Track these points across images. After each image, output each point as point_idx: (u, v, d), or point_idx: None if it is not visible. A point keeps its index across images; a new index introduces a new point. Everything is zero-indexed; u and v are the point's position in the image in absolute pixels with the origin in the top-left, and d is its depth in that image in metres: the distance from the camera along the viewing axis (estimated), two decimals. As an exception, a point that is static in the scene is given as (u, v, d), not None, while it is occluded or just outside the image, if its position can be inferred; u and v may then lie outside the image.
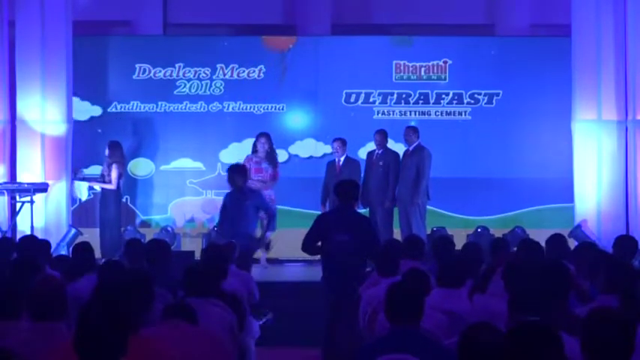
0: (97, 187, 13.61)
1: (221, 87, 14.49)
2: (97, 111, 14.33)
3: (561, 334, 3.95)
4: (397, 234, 12.51)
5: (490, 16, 15.72)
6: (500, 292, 6.10)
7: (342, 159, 13.05)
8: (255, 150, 13.03)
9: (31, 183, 12.70)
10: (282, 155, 13.96)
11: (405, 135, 12.99)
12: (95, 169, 13.90)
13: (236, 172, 10.89)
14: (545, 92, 14.31)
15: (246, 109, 14.47)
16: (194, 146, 14.46)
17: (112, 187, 13.20)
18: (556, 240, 8.72)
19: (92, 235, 12.52)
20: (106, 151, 13.35)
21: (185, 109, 14.46)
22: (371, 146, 13.48)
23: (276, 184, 13.04)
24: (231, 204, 10.80)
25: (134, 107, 14.46)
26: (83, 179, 13.82)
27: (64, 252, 11.89)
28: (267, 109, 14.47)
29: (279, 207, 13.06)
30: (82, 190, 13.86)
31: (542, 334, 3.81)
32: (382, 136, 13.04)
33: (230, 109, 14.47)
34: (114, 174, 13.20)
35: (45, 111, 13.15)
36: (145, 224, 14.26)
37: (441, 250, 8.43)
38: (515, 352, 3.78)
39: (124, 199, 13.89)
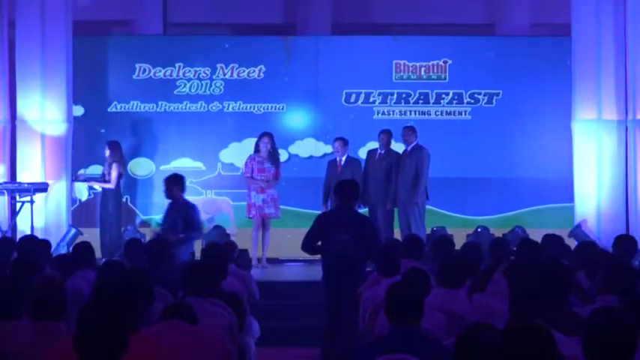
0: (97, 186, 13.61)
1: (221, 87, 14.49)
2: (79, 111, 14.26)
3: (557, 335, 3.94)
4: (397, 234, 12.51)
5: (490, 16, 15.73)
6: (500, 292, 6.10)
7: (344, 158, 13.04)
8: (257, 150, 13.04)
9: (31, 183, 12.69)
10: (282, 155, 13.96)
11: (402, 135, 12.97)
12: (95, 169, 13.90)
13: (173, 182, 10.60)
14: (546, 92, 14.30)
15: (246, 108, 14.47)
16: (194, 146, 14.46)
17: (111, 186, 13.20)
18: (551, 240, 8.73)
19: (92, 235, 12.51)
20: (107, 152, 13.35)
21: (185, 108, 14.46)
22: (371, 146, 13.48)
23: (278, 183, 13.06)
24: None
25: (134, 107, 14.46)
26: (85, 180, 13.83)
27: (64, 252, 11.88)
28: (268, 108, 14.47)
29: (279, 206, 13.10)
30: (82, 191, 13.85)
31: (536, 335, 3.80)
32: (388, 136, 13.02)
33: (230, 109, 14.47)
34: (114, 173, 13.20)
35: (45, 111, 13.15)
36: (145, 224, 14.26)
37: (441, 250, 8.42)
38: (510, 353, 3.78)
39: (124, 199, 13.89)
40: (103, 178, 13.36)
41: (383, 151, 12.99)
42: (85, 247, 8.35)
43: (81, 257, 8.10)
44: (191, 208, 10.47)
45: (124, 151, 13.66)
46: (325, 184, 12.99)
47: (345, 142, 13.08)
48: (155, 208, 14.36)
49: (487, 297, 6.49)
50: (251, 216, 12.98)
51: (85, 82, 14.11)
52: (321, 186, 13.14)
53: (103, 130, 14.31)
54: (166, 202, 14.37)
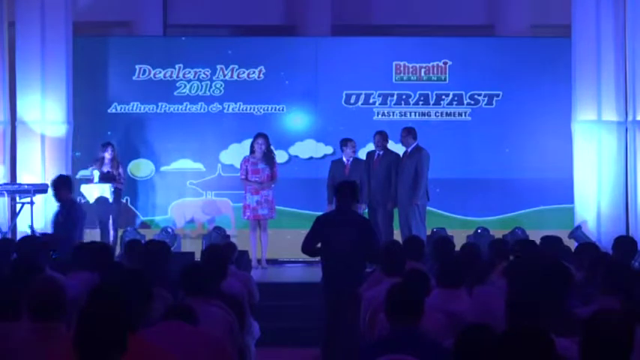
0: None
1: (221, 88, 14.50)
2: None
3: (556, 337, 3.93)
4: (397, 235, 12.49)
5: (490, 17, 15.73)
6: (499, 291, 6.09)
7: (351, 159, 12.98)
8: (252, 151, 12.99)
9: (31, 184, 12.69)
10: (282, 156, 13.97)
11: (401, 138, 12.86)
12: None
13: (59, 185, 10.69)
14: (545, 93, 14.31)
15: (246, 109, 14.48)
16: (194, 147, 14.46)
17: (122, 186, 13.24)
18: (549, 241, 8.72)
19: (92, 236, 12.50)
20: (110, 152, 13.28)
21: (185, 110, 14.47)
22: (371, 147, 13.45)
23: (274, 184, 13.00)
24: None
25: (134, 108, 14.46)
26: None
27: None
28: (267, 109, 14.48)
29: (278, 207, 13.08)
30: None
31: (536, 339, 3.80)
32: (382, 137, 12.98)
33: (230, 110, 14.48)
34: (122, 173, 13.23)
35: (45, 111, 13.16)
36: (145, 225, 14.26)
37: (441, 251, 8.42)
38: (509, 356, 3.77)
39: (124, 200, 13.88)
40: (112, 179, 13.21)
41: (381, 152, 12.95)
42: (83, 247, 8.34)
43: (80, 258, 8.08)
44: (73, 207, 10.60)
45: (123, 152, 13.67)
46: (329, 183, 12.88)
47: (355, 143, 13.04)
48: (155, 210, 14.39)
49: (487, 295, 6.48)
50: (246, 217, 12.95)
51: (85, 83, 14.11)
52: (321, 187, 13.11)
53: (109, 133, 14.26)
54: (166, 202, 14.50)
